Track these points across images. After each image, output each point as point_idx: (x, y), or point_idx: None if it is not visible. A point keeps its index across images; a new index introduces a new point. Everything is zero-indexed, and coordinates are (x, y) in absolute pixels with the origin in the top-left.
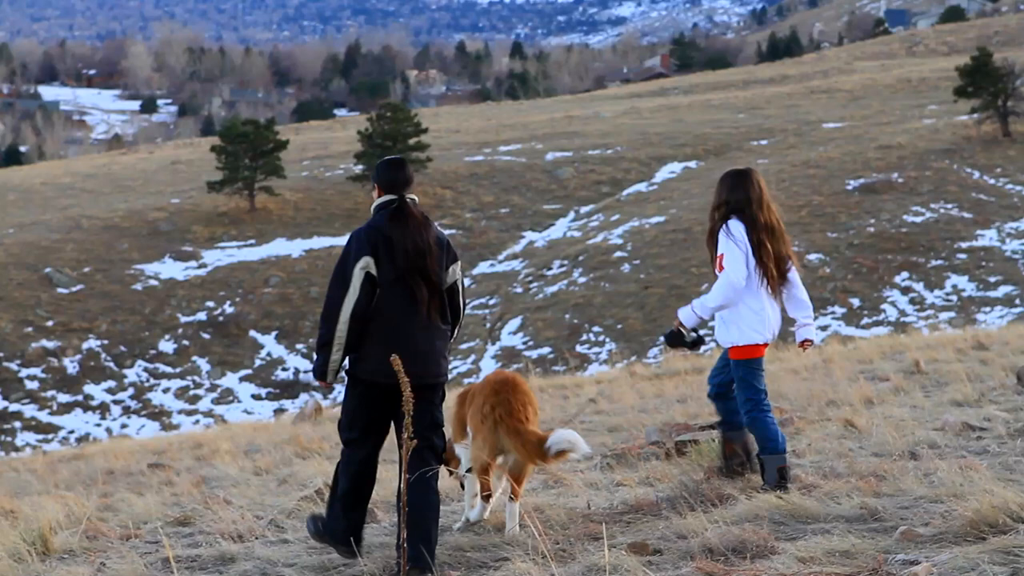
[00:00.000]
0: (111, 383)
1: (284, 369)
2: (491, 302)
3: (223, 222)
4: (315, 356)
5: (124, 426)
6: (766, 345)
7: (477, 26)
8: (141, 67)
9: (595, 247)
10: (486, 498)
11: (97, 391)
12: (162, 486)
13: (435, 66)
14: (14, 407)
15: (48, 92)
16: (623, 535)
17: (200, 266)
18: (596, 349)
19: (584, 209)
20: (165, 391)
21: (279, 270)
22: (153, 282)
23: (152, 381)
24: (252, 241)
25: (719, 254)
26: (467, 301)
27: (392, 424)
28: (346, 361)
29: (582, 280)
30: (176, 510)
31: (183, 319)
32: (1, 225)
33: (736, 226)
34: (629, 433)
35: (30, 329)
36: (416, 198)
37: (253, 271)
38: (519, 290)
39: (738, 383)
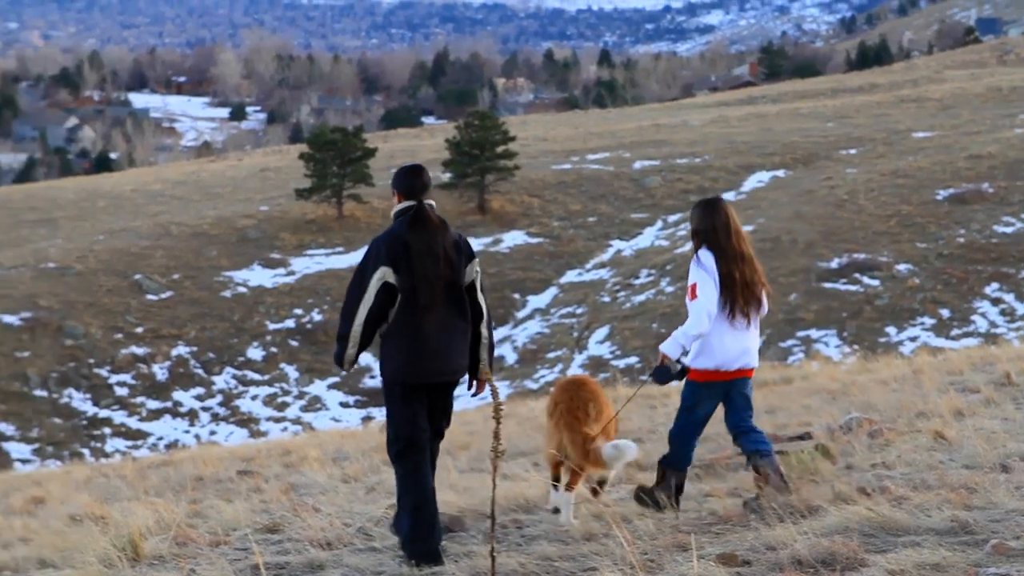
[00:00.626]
0: (200, 390)
1: (372, 377)
2: (578, 311)
3: (311, 229)
4: (335, 345)
5: (213, 433)
6: (727, 373)
7: (565, 34)
8: (230, 74)
9: (683, 256)
10: (567, 487)
11: (186, 398)
12: (251, 493)
13: (523, 74)
14: (104, 413)
15: (138, 99)
16: (711, 546)
17: (288, 273)
18: (683, 359)
19: (672, 218)
20: (253, 398)
21: None
22: (242, 289)
23: (240, 388)
24: (340, 248)
25: (691, 283)
26: (487, 299)
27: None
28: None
29: (669, 289)
30: (265, 517)
31: (271, 326)
32: (92, 232)
33: (706, 256)
34: (717, 443)
35: (120, 335)
36: (434, 203)
37: (341, 278)
38: (606, 299)
39: (682, 398)
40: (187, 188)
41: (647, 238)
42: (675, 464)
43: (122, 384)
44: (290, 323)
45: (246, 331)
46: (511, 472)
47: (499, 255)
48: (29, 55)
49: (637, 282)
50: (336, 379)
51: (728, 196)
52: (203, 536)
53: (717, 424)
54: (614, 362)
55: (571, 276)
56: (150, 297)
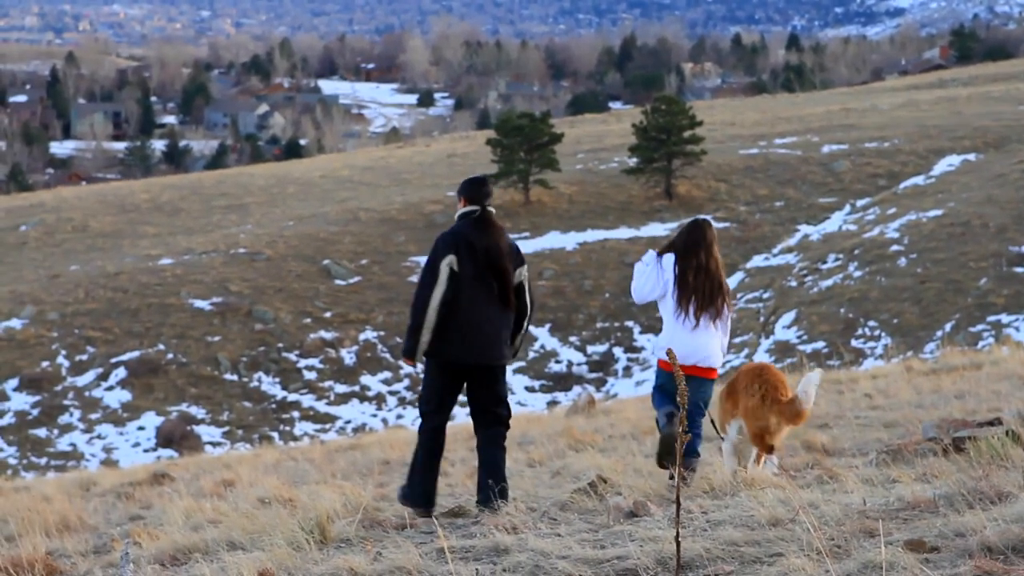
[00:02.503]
0: (387, 374)
1: (557, 362)
2: (765, 295)
3: (498, 215)
4: (406, 339)
5: (399, 416)
6: (683, 367)
7: (753, 18)
8: (418, 61)
9: (871, 241)
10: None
11: (373, 382)
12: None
13: (710, 59)
14: (293, 397)
15: (327, 86)
16: (899, 532)
17: None
18: (871, 344)
19: (860, 202)
20: None
21: (553, 263)
22: None
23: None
24: (526, 234)
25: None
26: (534, 300)
27: (468, 398)
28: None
29: (857, 274)
30: (450, 501)
31: None
32: (281, 217)
33: (668, 258)
34: (905, 429)
35: (308, 320)
36: (494, 209)
37: (528, 263)
38: (793, 284)
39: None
40: (375, 174)
41: (835, 223)
42: (687, 455)
43: (310, 368)
44: None
45: None
46: None
47: None
48: (221, 43)
49: (824, 267)
50: (521, 363)
51: (917, 180)
52: (390, 519)
53: (903, 409)
54: (801, 347)
55: (758, 261)
56: (338, 282)
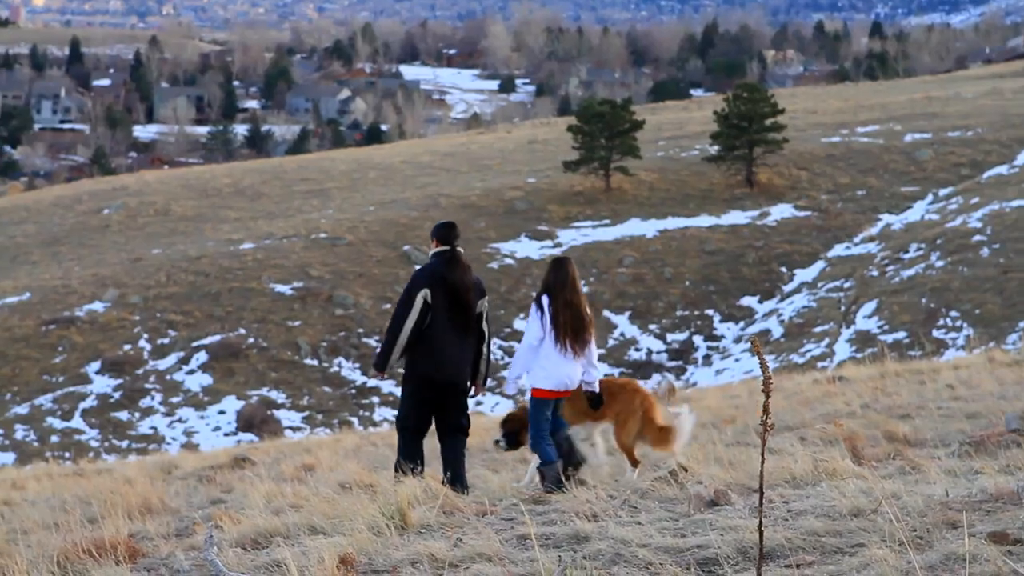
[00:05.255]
0: None
1: (637, 349)
2: (846, 285)
3: (578, 202)
4: (378, 354)
5: (479, 403)
6: (555, 392)
7: (836, 5)
8: (500, 47)
9: (953, 230)
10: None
11: None
12: (517, 464)
13: (792, 46)
14: (372, 382)
15: (409, 71)
16: (982, 524)
17: (555, 245)
18: (953, 334)
19: (943, 192)
20: None
21: (633, 250)
22: (509, 261)
23: (507, 359)
24: (607, 221)
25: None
26: (491, 329)
27: (433, 414)
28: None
29: (939, 264)
30: (531, 488)
31: None
32: (362, 203)
33: (546, 302)
34: (988, 420)
35: (388, 305)
36: (462, 249)
37: (607, 251)
38: (874, 273)
39: (530, 414)
40: (456, 160)
41: (917, 212)
42: (544, 463)
43: None
44: None
45: (513, 302)
46: (777, 446)
47: (766, 228)
48: (303, 28)
49: (906, 256)
50: (602, 351)
51: (1001, 170)
52: (470, 506)
53: (986, 400)
54: (882, 337)
55: (839, 250)
56: (418, 268)
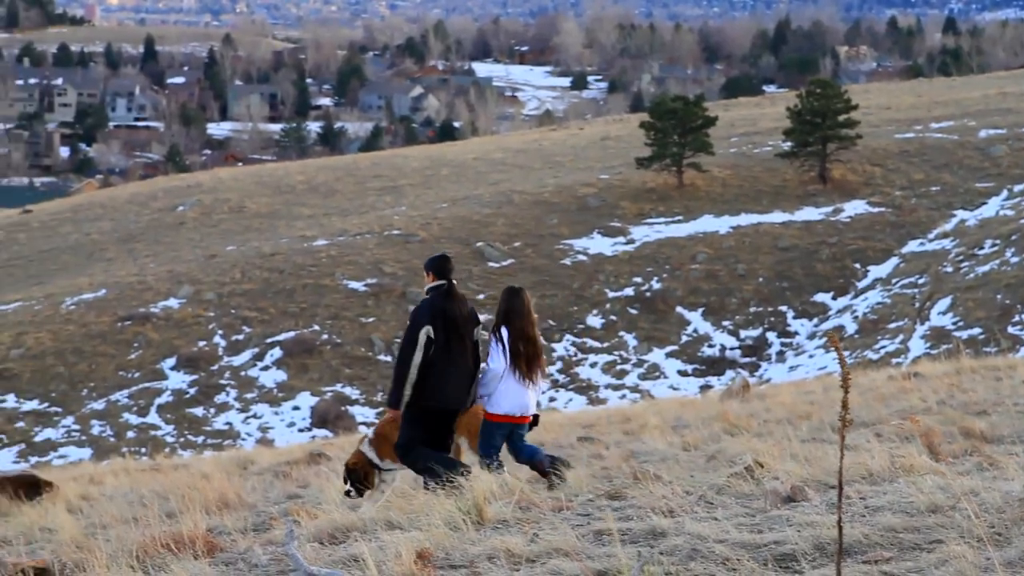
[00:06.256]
0: None
1: (710, 346)
2: (920, 281)
3: (651, 198)
4: (390, 392)
5: (552, 399)
6: (512, 417)
7: (909, 1)
8: (572, 44)
9: None
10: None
11: None
12: (592, 459)
13: (865, 42)
14: None
15: (481, 69)
16: None
17: (628, 242)
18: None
19: (1018, 187)
20: (592, 365)
21: (706, 247)
22: (581, 257)
23: (580, 355)
24: (679, 217)
25: (489, 351)
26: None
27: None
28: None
29: (1015, 260)
30: (606, 483)
31: (610, 294)
32: (435, 199)
33: (505, 333)
34: None
35: None
36: (456, 281)
37: (680, 247)
38: (949, 269)
39: (481, 434)
40: (528, 157)
41: (992, 208)
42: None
43: None
44: (629, 291)
45: (586, 299)
46: (853, 442)
47: (839, 224)
48: (376, 25)
49: (981, 252)
50: (674, 347)
51: None
52: (546, 501)
53: None
54: (956, 333)
55: (913, 246)
56: (491, 264)
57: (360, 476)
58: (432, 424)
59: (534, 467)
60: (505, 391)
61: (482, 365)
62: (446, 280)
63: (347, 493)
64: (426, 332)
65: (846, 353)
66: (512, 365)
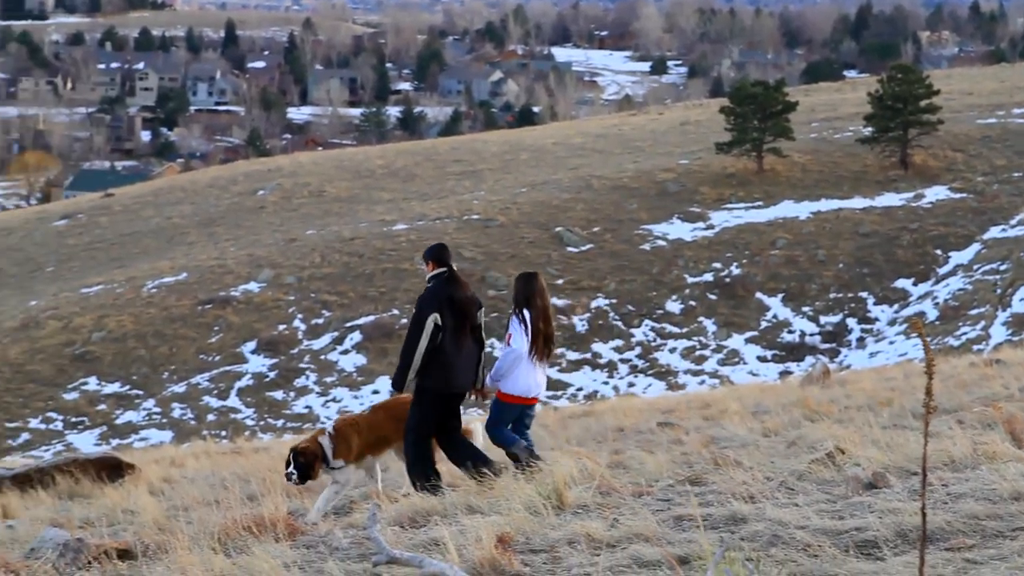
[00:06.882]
0: (618, 342)
1: (790, 331)
2: (1001, 267)
3: (731, 183)
4: (395, 374)
5: (631, 384)
6: (524, 399)
7: None
8: (652, 28)
9: None
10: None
11: (605, 349)
12: (671, 445)
13: (947, 27)
14: None
15: (560, 53)
16: None
17: (707, 227)
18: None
19: None
20: (671, 351)
21: (786, 232)
22: (661, 242)
23: (659, 341)
24: (759, 203)
25: (508, 333)
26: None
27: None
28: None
29: None
30: (686, 469)
31: (690, 280)
32: (514, 184)
33: (527, 314)
34: None
35: None
36: (456, 266)
37: (760, 233)
38: None
39: (491, 412)
40: (607, 141)
41: None
42: (510, 446)
43: None
44: (708, 277)
45: (665, 284)
46: (934, 429)
47: (920, 210)
48: (455, 10)
49: None
50: (754, 333)
51: None
52: (626, 486)
53: None
54: None
55: (995, 232)
56: (570, 249)
57: (306, 463)
58: (440, 407)
59: (509, 454)
60: (520, 372)
61: (500, 346)
62: (447, 267)
63: (288, 476)
64: (433, 319)
65: (928, 339)
66: (531, 345)
